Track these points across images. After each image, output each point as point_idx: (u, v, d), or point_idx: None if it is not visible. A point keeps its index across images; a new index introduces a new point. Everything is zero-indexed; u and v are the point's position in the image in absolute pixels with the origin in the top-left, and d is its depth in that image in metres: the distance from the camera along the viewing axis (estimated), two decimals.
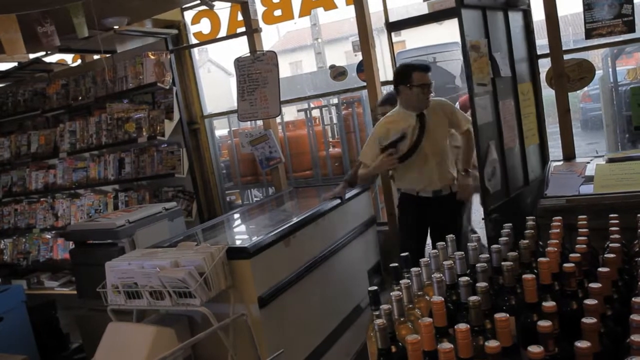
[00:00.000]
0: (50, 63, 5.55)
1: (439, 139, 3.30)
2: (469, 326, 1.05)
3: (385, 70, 4.89)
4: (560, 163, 3.46)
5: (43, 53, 5.05)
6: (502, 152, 3.14)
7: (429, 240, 3.51)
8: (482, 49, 3.01)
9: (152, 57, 4.70)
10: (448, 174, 3.35)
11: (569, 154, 3.62)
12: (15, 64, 5.20)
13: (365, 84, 4.36)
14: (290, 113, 6.37)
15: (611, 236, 1.49)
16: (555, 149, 3.81)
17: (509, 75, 3.29)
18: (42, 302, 3.99)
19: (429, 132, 3.25)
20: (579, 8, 3.48)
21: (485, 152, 2.98)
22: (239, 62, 4.49)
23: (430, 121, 3.25)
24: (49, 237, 5.43)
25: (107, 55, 5.00)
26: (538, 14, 3.65)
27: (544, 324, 1.03)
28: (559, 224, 1.60)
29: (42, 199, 5.57)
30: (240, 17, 4.68)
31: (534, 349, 0.97)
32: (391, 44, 4.35)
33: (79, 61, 5.88)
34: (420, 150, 3.26)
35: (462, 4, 2.85)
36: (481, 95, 3.00)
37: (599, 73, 5.60)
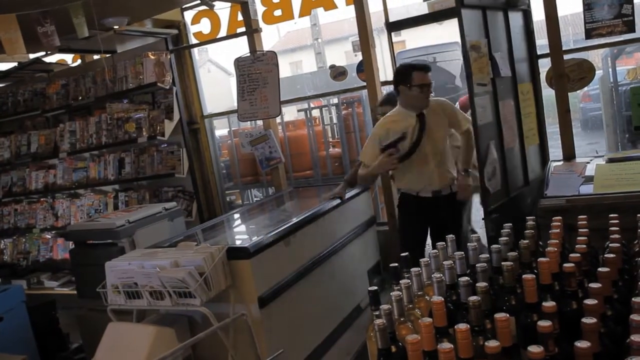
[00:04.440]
0: (50, 63, 5.55)
1: (439, 139, 3.30)
2: (469, 326, 1.05)
3: (385, 70, 4.89)
4: (561, 163, 3.46)
5: (43, 53, 5.05)
6: (502, 152, 3.14)
7: (429, 241, 3.51)
8: (483, 49, 3.01)
9: (152, 57, 4.70)
10: (448, 174, 3.34)
11: (569, 154, 3.62)
12: (15, 64, 5.21)
13: (365, 84, 4.35)
14: (290, 113, 6.37)
15: (611, 236, 1.49)
16: (555, 149, 3.81)
17: (509, 75, 3.29)
18: (42, 302, 3.98)
19: (429, 132, 3.24)
20: (579, 8, 3.48)
21: (486, 152, 2.98)
22: (239, 62, 4.49)
23: (430, 121, 3.25)
24: (49, 237, 5.43)
25: (107, 55, 5.00)
26: (538, 13, 3.65)
27: (544, 324, 1.03)
28: (559, 224, 1.60)
29: (42, 199, 5.57)
30: (240, 17, 4.68)
31: (534, 349, 0.97)
32: (391, 44, 4.35)
33: (79, 61, 5.88)
34: (420, 150, 3.26)
35: (462, 4, 2.85)
36: (481, 95, 3.00)
37: (599, 73, 5.60)
